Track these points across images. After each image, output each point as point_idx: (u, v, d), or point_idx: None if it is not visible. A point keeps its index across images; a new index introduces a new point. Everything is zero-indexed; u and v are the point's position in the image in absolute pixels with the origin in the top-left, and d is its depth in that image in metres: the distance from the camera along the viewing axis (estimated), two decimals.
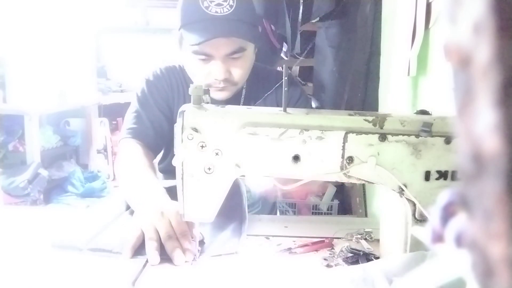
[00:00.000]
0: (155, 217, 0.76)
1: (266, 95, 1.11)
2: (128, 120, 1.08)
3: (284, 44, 2.13)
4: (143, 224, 0.77)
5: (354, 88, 1.71)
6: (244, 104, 1.08)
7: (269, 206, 1.24)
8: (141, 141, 1.03)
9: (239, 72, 0.99)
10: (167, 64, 1.13)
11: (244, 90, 1.09)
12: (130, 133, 1.05)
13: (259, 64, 1.16)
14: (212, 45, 0.93)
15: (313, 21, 2.06)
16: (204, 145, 0.64)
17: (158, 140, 1.08)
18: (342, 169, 0.63)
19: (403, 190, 0.63)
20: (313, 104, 2.06)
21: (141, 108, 1.07)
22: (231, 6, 0.94)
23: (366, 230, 0.85)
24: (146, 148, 1.03)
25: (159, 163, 1.21)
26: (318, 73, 2.01)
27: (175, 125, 0.64)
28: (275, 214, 1.40)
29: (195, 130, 0.63)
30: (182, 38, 0.99)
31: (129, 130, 1.06)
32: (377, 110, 1.51)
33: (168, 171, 1.15)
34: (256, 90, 1.11)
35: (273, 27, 2.03)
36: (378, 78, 1.54)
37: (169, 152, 1.16)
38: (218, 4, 0.93)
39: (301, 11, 1.95)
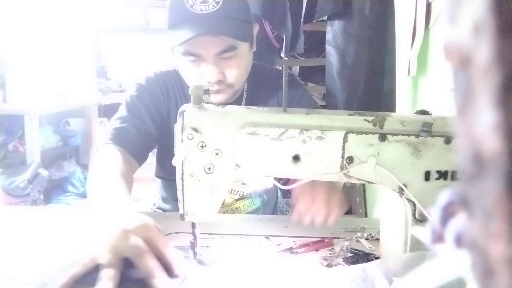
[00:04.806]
0: (115, 238, 0.62)
1: (267, 99, 1.07)
2: (111, 126, 0.99)
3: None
4: (99, 248, 0.63)
5: (354, 88, 1.70)
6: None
7: (270, 209, 1.23)
8: (123, 148, 0.94)
9: (233, 72, 0.94)
10: (163, 68, 1.08)
11: (245, 93, 1.05)
12: (112, 139, 0.95)
13: (259, 63, 1.12)
14: (200, 45, 0.89)
15: (314, 21, 2.05)
16: (204, 145, 0.64)
17: (144, 149, 1.00)
18: (342, 169, 0.63)
19: (403, 190, 0.63)
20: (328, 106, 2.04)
21: (129, 114, 1.00)
22: (217, 3, 0.89)
23: (366, 230, 0.86)
24: (127, 156, 0.94)
25: (155, 172, 1.16)
26: (330, 74, 2.00)
27: (175, 125, 0.64)
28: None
29: (195, 130, 0.63)
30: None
31: (112, 135, 0.96)
32: (394, 110, 1.48)
33: (167, 177, 1.11)
34: (257, 91, 1.07)
35: (271, 27, 2.03)
36: (394, 77, 1.51)
37: (163, 159, 1.10)
38: (203, 2, 0.89)
39: (304, 11, 1.95)
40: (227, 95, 0.97)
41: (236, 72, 0.94)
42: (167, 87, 1.05)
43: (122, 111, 1.01)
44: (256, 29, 1.02)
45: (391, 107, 1.52)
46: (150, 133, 1.01)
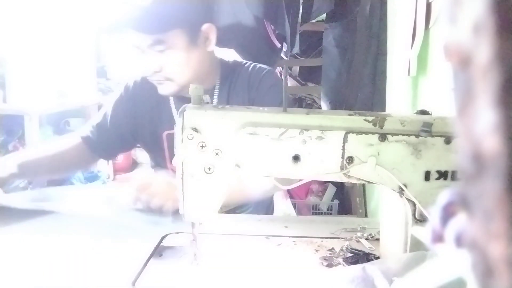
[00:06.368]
0: None
1: (239, 97, 1.11)
2: (91, 123, 1.16)
3: (284, 44, 2.13)
4: None
5: (354, 88, 1.70)
6: (218, 103, 1.08)
7: (264, 207, 1.22)
8: (85, 143, 1.13)
9: (169, 66, 1.00)
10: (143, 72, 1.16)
11: (216, 90, 1.08)
12: (81, 133, 1.15)
13: (238, 61, 1.15)
14: (134, 38, 0.99)
15: (313, 20, 2.06)
16: (204, 145, 0.64)
17: (111, 147, 1.16)
18: (342, 169, 0.63)
19: (403, 190, 0.63)
20: (323, 106, 2.05)
21: (105, 117, 1.15)
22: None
23: (366, 230, 0.86)
24: (86, 149, 1.14)
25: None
26: (326, 74, 2.00)
27: (175, 125, 0.64)
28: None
29: (195, 130, 0.63)
30: None
31: (83, 130, 1.15)
32: (384, 110, 1.50)
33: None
34: (228, 89, 1.10)
35: (272, 27, 2.03)
36: (385, 78, 1.53)
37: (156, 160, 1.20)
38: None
39: (301, 11, 1.95)
40: (170, 88, 1.03)
41: (171, 66, 1.00)
42: (143, 92, 1.13)
43: (102, 110, 1.18)
44: (211, 29, 1.04)
45: (381, 107, 1.53)
46: (121, 136, 1.15)
